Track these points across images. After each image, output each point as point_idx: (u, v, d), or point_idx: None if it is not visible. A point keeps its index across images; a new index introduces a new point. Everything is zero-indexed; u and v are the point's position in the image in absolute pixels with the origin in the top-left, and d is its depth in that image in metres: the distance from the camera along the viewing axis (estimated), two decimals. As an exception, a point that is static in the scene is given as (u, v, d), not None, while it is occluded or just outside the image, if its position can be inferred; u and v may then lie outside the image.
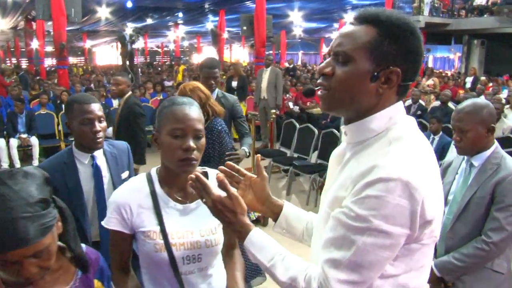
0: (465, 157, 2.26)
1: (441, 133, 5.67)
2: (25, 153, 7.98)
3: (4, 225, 1.07)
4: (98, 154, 2.25)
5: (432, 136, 5.69)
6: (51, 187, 1.23)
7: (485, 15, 15.78)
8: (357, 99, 1.11)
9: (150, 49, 13.76)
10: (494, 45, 18.11)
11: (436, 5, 16.43)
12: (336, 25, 26.95)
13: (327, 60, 1.14)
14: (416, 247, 1.07)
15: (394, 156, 1.03)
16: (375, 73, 1.08)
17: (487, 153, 2.18)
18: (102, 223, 1.56)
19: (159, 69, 22.58)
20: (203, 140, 1.53)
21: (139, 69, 13.50)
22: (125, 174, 2.31)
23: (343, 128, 1.20)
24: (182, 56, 29.02)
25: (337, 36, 1.14)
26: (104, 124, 2.20)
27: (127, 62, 12.14)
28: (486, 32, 16.82)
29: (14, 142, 7.39)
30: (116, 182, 2.23)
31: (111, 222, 1.53)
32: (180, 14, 22.14)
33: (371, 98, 1.11)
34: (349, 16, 22.57)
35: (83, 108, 2.13)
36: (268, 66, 8.51)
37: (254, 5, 18.96)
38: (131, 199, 1.53)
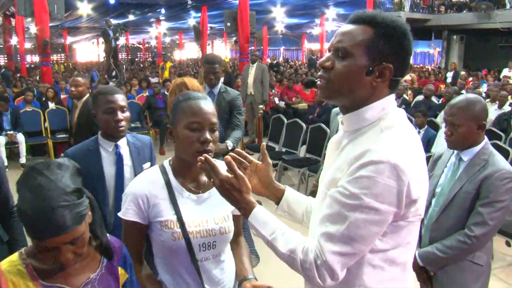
0: (455, 151, 2.29)
1: (426, 126, 5.83)
2: (12, 152, 7.90)
3: (44, 213, 1.14)
4: (122, 144, 2.32)
5: (417, 129, 5.84)
6: (82, 177, 1.29)
7: (464, 11, 16.09)
8: (354, 91, 1.23)
9: (131, 46, 13.66)
10: (472, 40, 18.50)
11: (417, 1, 16.71)
12: (317, 20, 27.07)
13: (328, 55, 1.27)
14: (403, 225, 1.19)
15: (384, 142, 1.16)
16: (371, 68, 1.21)
17: (477, 148, 2.21)
18: (119, 214, 1.60)
19: (141, 65, 22.42)
20: (217, 133, 1.60)
21: (124, 66, 13.37)
22: (146, 165, 2.37)
23: (340, 118, 1.32)
24: (163, 53, 28.79)
25: (338, 33, 1.27)
26: (127, 114, 2.29)
27: (111, 59, 12.05)
28: (465, 28, 17.16)
29: (1, 139, 7.31)
30: (138, 172, 2.26)
31: (128, 213, 1.57)
32: (163, 11, 21.99)
33: (366, 90, 1.23)
34: (331, 12, 22.77)
35: (107, 98, 2.24)
36: (254, 62, 8.58)
37: (237, 1, 19.06)
38: (147, 190, 1.58)
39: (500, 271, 4.10)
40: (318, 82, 1.28)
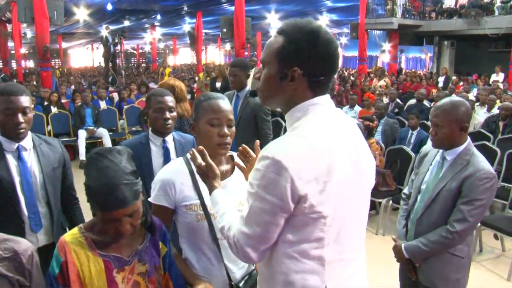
0: (440, 150, 2.42)
1: (418, 128, 6.10)
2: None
3: (110, 189, 1.38)
4: (169, 139, 2.60)
5: (410, 131, 6.12)
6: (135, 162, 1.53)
7: (454, 18, 16.42)
8: (275, 95, 1.38)
9: (125, 51, 13.86)
10: (463, 46, 18.86)
11: (408, 7, 17.05)
12: (311, 26, 27.41)
13: (260, 68, 1.45)
14: (305, 220, 1.28)
15: (279, 141, 1.29)
16: (283, 73, 1.34)
17: (460, 148, 2.33)
18: (150, 199, 1.81)
19: (138, 71, 22.60)
20: (234, 128, 1.82)
21: (122, 71, 13.58)
22: None
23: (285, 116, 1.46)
24: (159, 58, 28.98)
25: (265, 45, 1.43)
26: (174, 113, 2.56)
27: (110, 64, 12.26)
28: (456, 34, 17.49)
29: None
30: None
31: (158, 198, 1.78)
32: (158, 16, 22.21)
33: (286, 93, 1.36)
34: (324, 18, 23.10)
35: (157, 99, 2.52)
36: (252, 67, 8.80)
37: (231, 7, 19.37)
38: (175, 178, 1.80)
39: (489, 262, 4.36)
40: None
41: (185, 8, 19.13)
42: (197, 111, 1.82)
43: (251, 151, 1.76)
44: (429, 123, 7.08)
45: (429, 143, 5.43)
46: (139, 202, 1.45)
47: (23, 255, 1.43)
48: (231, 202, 1.53)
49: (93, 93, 9.75)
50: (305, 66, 1.31)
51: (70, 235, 1.51)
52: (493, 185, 2.27)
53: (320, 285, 1.34)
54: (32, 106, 2.28)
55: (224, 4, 19.87)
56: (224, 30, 14.11)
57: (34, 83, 14.19)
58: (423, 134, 5.98)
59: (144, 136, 2.62)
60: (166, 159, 2.56)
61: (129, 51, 12.99)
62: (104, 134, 8.24)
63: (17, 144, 2.23)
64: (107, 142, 8.21)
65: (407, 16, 16.92)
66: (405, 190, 2.73)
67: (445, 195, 2.31)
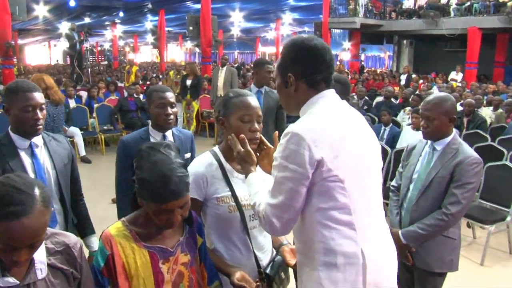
0: (429, 142, 2.62)
1: (391, 124, 6.36)
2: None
3: (166, 182, 1.45)
4: (168, 134, 2.68)
5: (383, 127, 6.37)
6: None
7: (414, 18, 16.99)
8: (288, 102, 1.69)
9: (86, 48, 13.54)
10: (421, 45, 19.58)
11: (370, 7, 17.51)
12: (272, 25, 27.66)
13: None
14: (325, 185, 1.49)
15: (298, 121, 1.54)
16: (284, 82, 1.65)
17: (448, 139, 2.54)
18: None
19: (101, 68, 22.12)
20: (261, 124, 1.89)
21: (89, 69, 13.28)
22: (187, 155, 2.73)
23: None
24: (120, 57, 28.44)
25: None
26: (175, 109, 2.63)
27: (75, 62, 12.00)
28: (414, 33, 18.12)
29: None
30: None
31: (190, 191, 1.74)
32: (121, 14, 21.82)
33: (293, 97, 1.65)
34: (287, 17, 23.35)
35: (159, 95, 2.57)
36: (224, 65, 8.86)
37: (194, 5, 19.30)
38: (206, 172, 1.88)
39: (462, 249, 4.54)
40: None
41: (149, 6, 18.87)
42: (227, 107, 1.89)
43: (265, 141, 1.89)
44: (397, 119, 7.43)
45: (404, 139, 5.70)
46: (188, 194, 1.53)
47: (74, 249, 1.47)
48: (264, 184, 1.65)
49: (61, 91, 9.51)
50: (295, 70, 1.61)
51: (115, 229, 1.57)
52: (480, 170, 2.49)
53: (356, 249, 1.52)
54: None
55: (187, 2, 19.75)
56: (191, 28, 14.08)
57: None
58: (395, 130, 6.24)
59: (144, 131, 2.68)
60: None
61: (89, 48, 12.68)
62: (76, 133, 8.09)
63: (29, 141, 2.22)
64: (79, 141, 8.08)
65: (368, 16, 17.36)
66: (393, 183, 2.89)
67: (438, 182, 2.49)
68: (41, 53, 38.81)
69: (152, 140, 2.60)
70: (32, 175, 2.22)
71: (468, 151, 2.50)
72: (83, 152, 8.07)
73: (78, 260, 1.47)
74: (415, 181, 2.63)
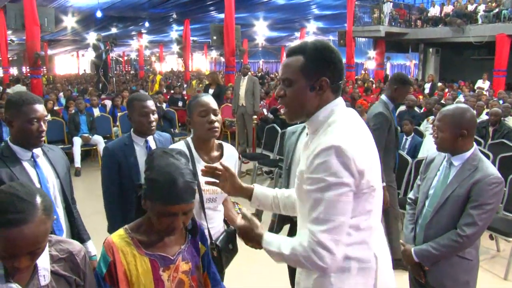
0: (446, 156, 2.48)
1: (413, 134, 6.26)
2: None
3: (176, 184, 1.46)
4: (150, 139, 2.80)
5: (405, 137, 6.26)
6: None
7: (440, 26, 16.79)
8: (305, 105, 1.57)
9: (112, 58, 13.84)
10: (447, 53, 19.26)
11: (395, 15, 17.37)
12: (297, 34, 27.67)
13: (279, 86, 1.62)
14: (360, 196, 1.47)
15: (329, 133, 1.49)
16: (311, 85, 1.55)
17: (467, 154, 2.38)
18: None
19: (127, 77, 22.55)
20: (220, 116, 2.37)
21: (114, 79, 13.55)
22: None
23: (306, 123, 1.65)
24: (146, 66, 28.94)
25: (281, 66, 1.62)
26: (156, 116, 2.74)
27: (101, 71, 12.25)
28: (440, 41, 17.88)
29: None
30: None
31: None
32: (146, 24, 22.24)
33: (314, 102, 1.57)
34: (312, 26, 23.35)
35: (142, 104, 2.67)
36: (245, 74, 8.84)
37: (219, 15, 19.52)
38: None
39: (485, 262, 4.50)
40: (282, 110, 1.69)
41: (174, 16, 19.17)
42: (190, 109, 2.38)
43: (219, 167, 1.88)
44: (421, 128, 7.31)
45: (425, 149, 5.57)
46: (193, 202, 1.53)
47: (78, 256, 1.49)
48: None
49: (86, 100, 9.72)
50: (329, 74, 1.54)
51: (117, 236, 1.58)
52: (501, 190, 2.32)
53: (369, 253, 1.54)
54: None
55: (212, 12, 19.99)
56: (214, 37, 14.22)
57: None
58: (418, 139, 6.13)
59: (127, 137, 2.77)
60: None
61: (114, 58, 13.00)
62: (99, 141, 8.24)
63: (31, 152, 2.23)
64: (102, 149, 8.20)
65: (393, 24, 17.24)
66: (411, 195, 2.79)
67: (454, 200, 2.36)
68: (69, 63, 39.81)
69: (135, 145, 2.74)
70: (38, 185, 2.23)
71: (489, 169, 2.33)
72: None
73: (81, 268, 1.49)
74: (430, 197, 2.52)
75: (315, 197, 1.45)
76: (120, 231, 1.60)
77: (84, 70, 36.18)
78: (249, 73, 9.05)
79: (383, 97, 4.14)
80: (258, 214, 5.56)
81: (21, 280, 1.35)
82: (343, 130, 1.49)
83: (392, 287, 1.63)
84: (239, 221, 1.69)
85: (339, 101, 1.60)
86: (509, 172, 4.72)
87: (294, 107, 1.60)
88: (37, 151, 2.28)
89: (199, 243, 1.74)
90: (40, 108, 2.21)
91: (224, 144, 2.50)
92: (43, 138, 2.23)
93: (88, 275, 1.51)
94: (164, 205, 1.47)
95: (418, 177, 2.77)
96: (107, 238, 1.58)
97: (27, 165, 2.22)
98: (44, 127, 2.21)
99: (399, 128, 7.30)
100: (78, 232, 2.51)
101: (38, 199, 1.28)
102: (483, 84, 14.49)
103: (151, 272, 1.55)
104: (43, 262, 1.40)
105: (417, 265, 2.48)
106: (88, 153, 8.84)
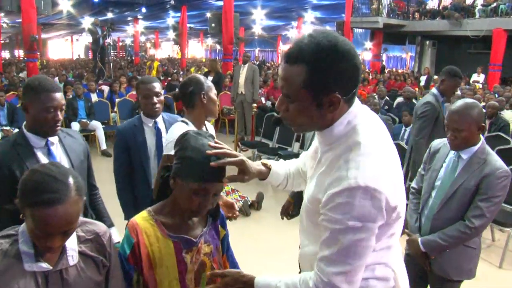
0: None
1: (412, 125, 6.30)
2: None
3: (211, 162, 1.46)
4: (159, 120, 2.97)
5: (404, 128, 6.33)
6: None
7: (437, 19, 16.81)
8: (314, 122, 1.33)
9: (108, 44, 13.69)
10: (444, 46, 19.31)
11: (393, 7, 17.38)
12: (294, 23, 27.61)
13: (281, 98, 1.35)
14: (386, 228, 1.31)
15: (353, 166, 1.24)
16: (318, 102, 1.27)
17: (475, 148, 2.40)
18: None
19: (122, 63, 22.41)
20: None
21: (111, 64, 13.46)
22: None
23: (317, 134, 1.43)
24: (141, 53, 28.75)
25: (280, 77, 1.32)
26: (161, 97, 2.90)
27: (98, 57, 12.17)
28: (438, 34, 17.91)
29: (-3, 134, 7.39)
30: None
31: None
32: (144, 9, 22.05)
33: (325, 118, 1.31)
34: (309, 15, 23.28)
35: (146, 87, 2.85)
36: (245, 62, 8.82)
37: (216, 2, 19.38)
38: None
39: (481, 251, 4.58)
40: (285, 122, 1.40)
41: (172, 2, 19.02)
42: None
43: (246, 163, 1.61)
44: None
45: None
46: (223, 185, 1.55)
47: (104, 237, 1.51)
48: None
49: (84, 86, 9.67)
50: (340, 87, 1.26)
51: (141, 218, 1.60)
52: (508, 183, 2.36)
53: (388, 271, 1.43)
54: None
55: (209, -1, 19.89)
56: (213, 25, 14.15)
57: (14, 73, 13.92)
58: (417, 131, 6.19)
59: (137, 119, 2.96)
60: (158, 138, 2.95)
61: (111, 43, 12.95)
62: (97, 126, 8.21)
63: (45, 140, 2.17)
64: (101, 135, 8.20)
65: (391, 15, 17.24)
66: (414, 184, 2.81)
67: (462, 193, 2.40)
68: (63, 48, 39.42)
69: (145, 126, 2.94)
70: None
71: (498, 162, 2.37)
72: (104, 146, 8.19)
73: (107, 249, 1.51)
74: (437, 188, 2.54)
75: (331, 236, 1.27)
76: (144, 213, 1.62)
77: (79, 55, 35.87)
78: (249, 61, 9.04)
79: (434, 89, 4.16)
80: (259, 201, 5.65)
81: (50, 260, 1.38)
82: (371, 161, 1.25)
83: None
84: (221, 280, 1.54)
85: (356, 109, 1.34)
86: (506, 164, 4.77)
87: (301, 125, 1.36)
88: (53, 138, 2.21)
89: (219, 226, 1.77)
90: (58, 96, 2.12)
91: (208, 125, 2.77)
92: (58, 128, 2.17)
93: (113, 256, 1.54)
94: (199, 182, 1.47)
95: (421, 166, 2.79)
96: (131, 220, 1.61)
97: (40, 153, 2.16)
98: (60, 116, 2.13)
99: (397, 119, 7.38)
100: (101, 220, 2.47)
101: (71, 180, 1.30)
102: (477, 77, 14.59)
103: (174, 253, 1.58)
104: (71, 243, 1.42)
105: (424, 254, 2.51)
106: (86, 138, 8.81)
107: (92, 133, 8.36)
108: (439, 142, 2.67)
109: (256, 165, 1.63)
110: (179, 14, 21.08)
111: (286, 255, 2.95)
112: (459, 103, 2.44)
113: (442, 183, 2.51)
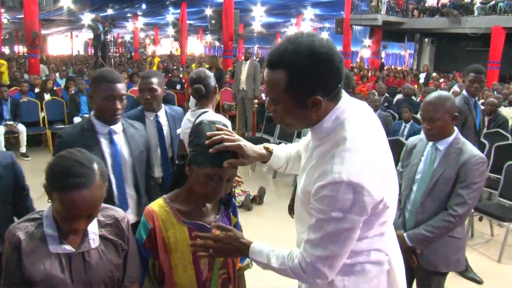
0: (430, 142, 2.53)
1: (411, 121, 6.40)
2: (9, 142, 8.01)
3: (227, 150, 1.54)
4: (161, 114, 3.03)
5: (404, 124, 6.41)
6: None
7: (436, 16, 16.90)
8: (300, 121, 1.41)
9: (109, 40, 13.77)
10: (443, 43, 19.43)
11: (392, 4, 17.45)
12: (293, 20, 27.65)
13: (268, 100, 1.44)
14: (375, 218, 1.39)
15: (338, 161, 1.31)
16: (301, 104, 1.34)
17: (450, 138, 2.46)
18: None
19: (122, 59, 22.43)
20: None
21: (112, 60, 13.53)
22: (179, 130, 3.11)
23: (309, 130, 1.50)
24: (138, 48, 28.76)
25: (265, 82, 1.41)
26: (157, 93, 2.92)
27: (99, 53, 12.22)
28: (436, 32, 18.00)
29: (0, 129, 7.45)
30: (173, 134, 3.07)
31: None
32: (144, 6, 22.07)
33: (311, 117, 1.38)
34: (308, 12, 23.32)
35: (141, 81, 2.97)
36: (247, 59, 8.88)
37: (216, -1, 19.41)
38: None
39: (480, 246, 4.70)
40: (276, 121, 1.48)
41: (172, -1, 19.07)
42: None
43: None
44: (418, 116, 7.45)
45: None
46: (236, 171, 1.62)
47: (122, 222, 1.60)
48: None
49: (86, 81, 9.72)
50: (321, 89, 1.32)
51: (157, 205, 1.68)
52: (485, 169, 2.46)
53: (381, 255, 1.51)
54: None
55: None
56: (213, 21, 14.21)
57: (15, 69, 13.95)
58: (416, 126, 6.27)
59: (139, 111, 3.00)
60: (159, 130, 3.02)
61: (112, 39, 13.01)
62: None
63: (108, 128, 2.33)
64: (103, 130, 8.25)
65: (390, 13, 17.32)
66: None
67: (443, 183, 2.44)
68: (63, 44, 39.40)
69: (146, 119, 2.97)
70: (109, 159, 2.34)
71: (473, 150, 2.45)
72: None
73: (125, 233, 1.60)
74: (418, 182, 2.57)
75: (317, 223, 1.36)
76: (160, 201, 1.70)
77: (78, 51, 35.85)
78: (251, 57, 9.10)
79: (464, 91, 4.08)
80: (261, 196, 5.73)
81: (73, 243, 1.46)
82: (356, 157, 1.31)
83: (403, 285, 1.61)
84: (217, 232, 1.62)
85: (344, 104, 1.40)
86: (505, 160, 4.90)
87: (289, 124, 1.46)
88: (116, 127, 2.37)
89: (231, 214, 1.85)
90: (118, 86, 2.29)
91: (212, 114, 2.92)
92: (118, 116, 2.32)
93: (131, 240, 1.62)
94: (213, 168, 1.55)
95: (399, 164, 2.80)
96: (147, 207, 1.68)
97: (103, 139, 2.33)
98: (120, 105, 2.28)
99: (397, 115, 7.47)
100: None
101: (96, 165, 1.39)
102: (477, 75, 14.65)
103: (188, 239, 1.65)
104: (92, 227, 1.51)
105: (410, 249, 2.49)
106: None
107: (95, 128, 8.41)
108: (415, 138, 2.72)
109: (258, 149, 1.70)
110: (178, 11, 21.12)
111: (287, 248, 3.02)
112: (434, 94, 2.52)
113: (423, 176, 2.55)
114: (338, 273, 1.45)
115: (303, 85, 1.31)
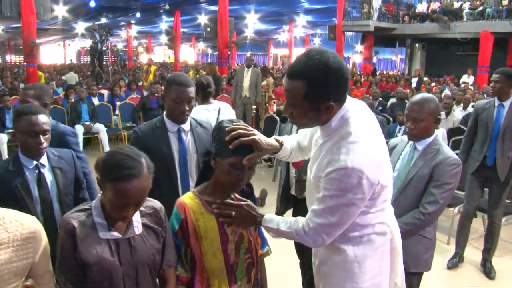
0: (411, 142, 2.62)
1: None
2: (11, 150, 8.11)
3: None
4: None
5: (398, 126, 6.64)
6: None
7: (426, 22, 17.24)
8: (313, 122, 1.72)
9: (105, 48, 13.89)
10: (433, 48, 19.76)
11: (383, 11, 17.77)
12: (285, 27, 27.96)
13: (286, 104, 1.71)
14: (376, 196, 1.68)
15: (344, 151, 1.59)
16: (315, 109, 1.62)
17: (429, 139, 2.54)
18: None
19: (115, 68, 22.54)
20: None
21: (109, 68, 13.68)
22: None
23: (319, 128, 1.78)
24: (134, 57, 28.88)
25: (284, 89, 1.67)
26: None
27: (96, 62, 12.37)
28: (427, 37, 18.33)
29: (3, 137, 7.57)
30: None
31: None
32: (138, 14, 22.24)
33: (324, 118, 1.66)
34: (301, 19, 23.58)
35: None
36: (249, 66, 9.01)
37: (210, 7, 19.64)
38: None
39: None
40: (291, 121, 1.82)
41: (166, 7, 19.26)
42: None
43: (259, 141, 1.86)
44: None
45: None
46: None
47: (161, 212, 1.78)
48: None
49: (86, 89, 9.88)
50: (334, 96, 1.61)
51: (187, 198, 1.86)
52: (459, 171, 2.51)
53: (383, 227, 1.79)
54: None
55: (202, 4, 20.11)
56: (208, 29, 14.43)
57: (9, 79, 13.98)
58: (411, 129, 6.51)
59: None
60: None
61: (109, 48, 13.19)
62: (101, 129, 8.43)
63: (178, 126, 2.60)
64: (104, 137, 8.42)
65: (382, 19, 17.62)
66: None
67: (417, 180, 2.52)
68: (55, 52, 39.44)
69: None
70: (176, 155, 2.58)
71: (449, 152, 2.52)
72: (107, 148, 8.38)
73: (163, 222, 1.78)
74: (394, 179, 2.56)
75: (322, 196, 1.65)
76: (190, 194, 1.89)
77: (71, 60, 35.88)
78: (253, 65, 9.23)
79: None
80: (263, 198, 5.91)
81: (120, 230, 1.65)
82: (358, 147, 1.59)
83: (400, 249, 1.93)
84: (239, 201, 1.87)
85: (348, 104, 1.68)
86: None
87: (304, 124, 1.78)
88: (185, 126, 2.62)
89: None
90: (187, 90, 2.52)
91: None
92: (186, 117, 2.57)
93: (168, 228, 1.80)
94: (236, 156, 1.74)
95: None
96: (179, 200, 1.87)
97: (172, 137, 2.59)
98: (187, 107, 2.53)
99: (391, 119, 7.69)
100: None
101: (143, 159, 1.57)
102: (468, 79, 14.98)
103: (217, 227, 1.84)
104: (136, 216, 1.69)
105: None
106: (88, 141, 9.03)
107: (96, 135, 8.58)
108: (396, 140, 2.82)
109: (271, 141, 1.93)
110: (172, 19, 21.31)
111: (288, 247, 3.16)
112: (419, 96, 2.62)
113: (399, 174, 2.62)
114: (349, 244, 1.76)
115: (319, 93, 1.59)
